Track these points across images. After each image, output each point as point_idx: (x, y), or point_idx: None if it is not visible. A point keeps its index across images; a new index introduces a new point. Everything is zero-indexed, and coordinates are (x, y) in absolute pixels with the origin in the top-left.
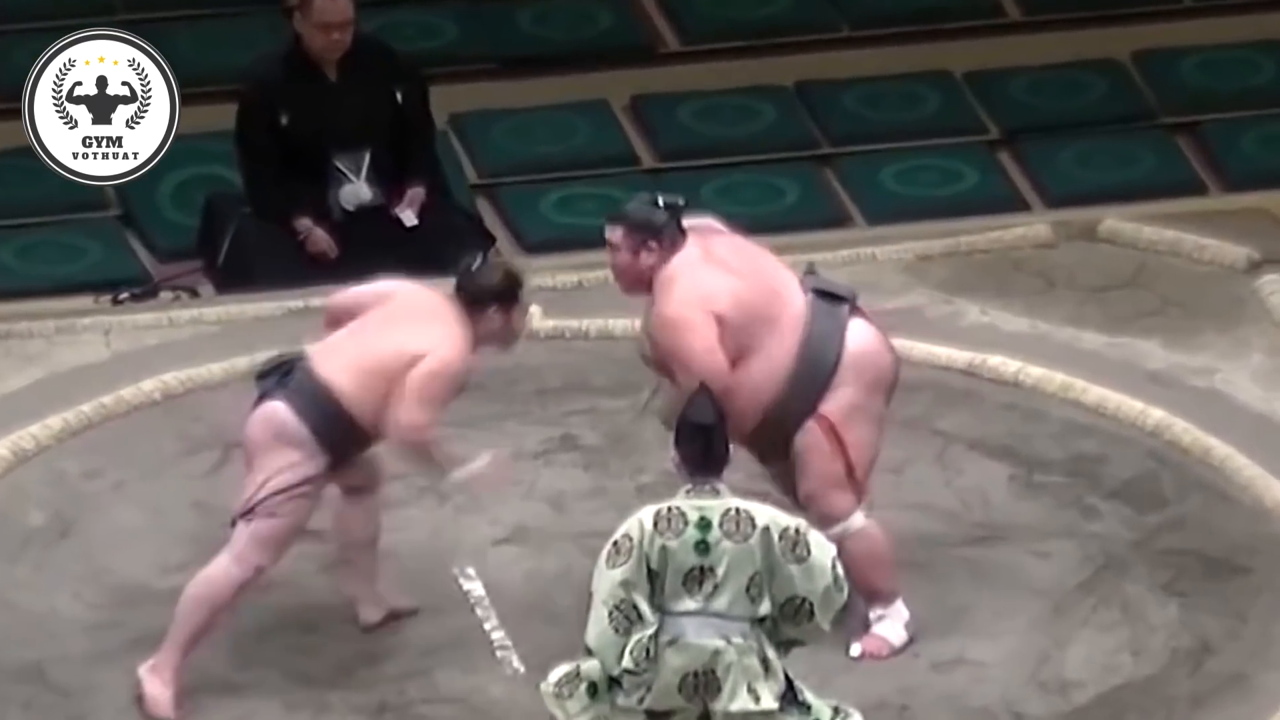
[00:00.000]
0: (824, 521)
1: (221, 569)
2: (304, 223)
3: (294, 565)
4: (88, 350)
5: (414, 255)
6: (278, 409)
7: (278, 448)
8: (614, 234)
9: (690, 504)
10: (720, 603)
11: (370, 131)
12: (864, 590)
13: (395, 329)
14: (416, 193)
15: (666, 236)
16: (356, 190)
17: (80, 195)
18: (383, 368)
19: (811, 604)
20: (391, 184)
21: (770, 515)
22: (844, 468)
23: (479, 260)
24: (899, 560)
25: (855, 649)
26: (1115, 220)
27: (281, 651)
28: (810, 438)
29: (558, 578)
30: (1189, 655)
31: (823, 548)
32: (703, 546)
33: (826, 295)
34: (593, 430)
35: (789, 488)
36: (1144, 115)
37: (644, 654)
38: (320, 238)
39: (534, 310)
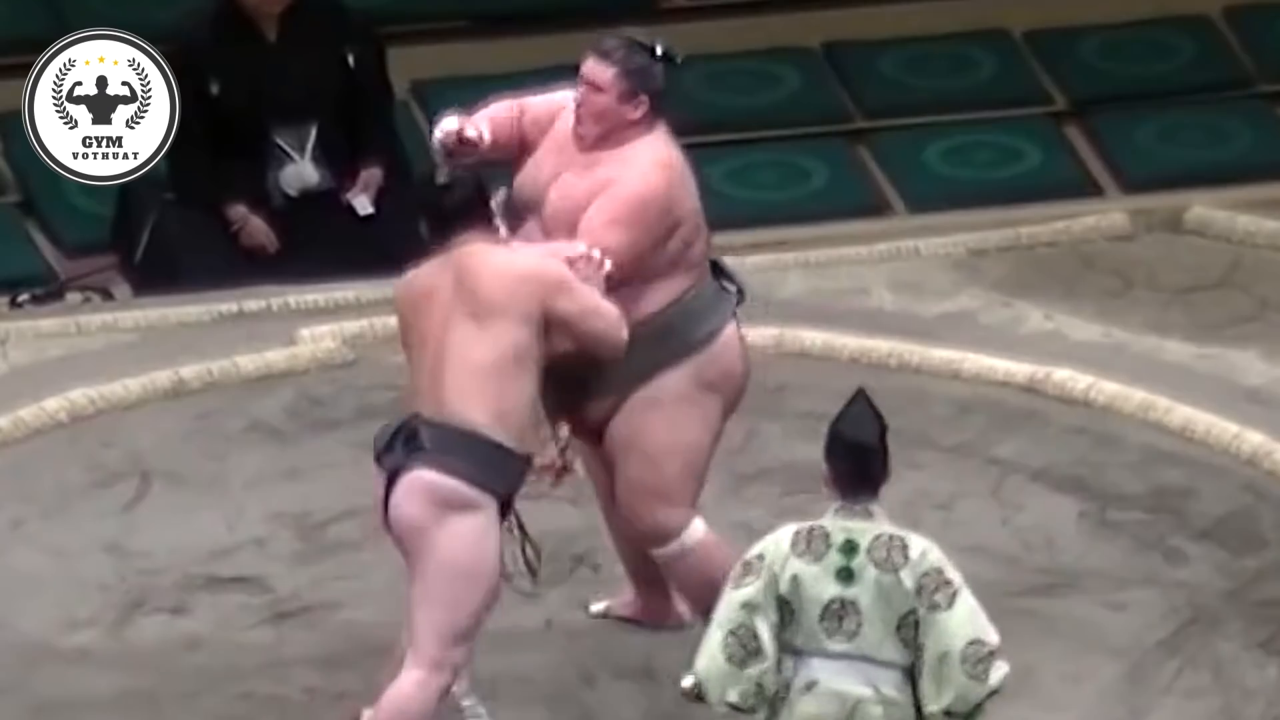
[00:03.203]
0: (654, 539)
1: (413, 683)
2: (238, 210)
3: (229, 616)
4: None
5: (369, 249)
6: (423, 476)
7: (446, 516)
8: (601, 73)
9: (837, 524)
10: (867, 643)
11: (316, 102)
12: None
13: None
14: (372, 175)
15: (656, 93)
16: (300, 171)
17: None
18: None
19: (922, 663)
20: (342, 164)
21: (924, 547)
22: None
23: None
24: None
25: None
26: (1204, 208)
27: None
28: (646, 421)
29: (540, 635)
30: None
31: (973, 620)
32: (846, 574)
33: (721, 274)
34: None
35: (600, 480)
36: (1239, 83)
37: (754, 690)
38: (257, 228)
39: None
